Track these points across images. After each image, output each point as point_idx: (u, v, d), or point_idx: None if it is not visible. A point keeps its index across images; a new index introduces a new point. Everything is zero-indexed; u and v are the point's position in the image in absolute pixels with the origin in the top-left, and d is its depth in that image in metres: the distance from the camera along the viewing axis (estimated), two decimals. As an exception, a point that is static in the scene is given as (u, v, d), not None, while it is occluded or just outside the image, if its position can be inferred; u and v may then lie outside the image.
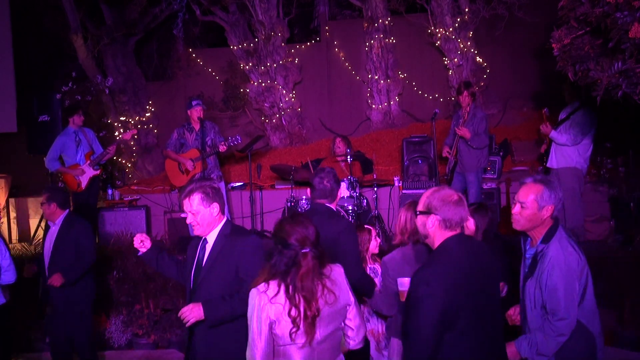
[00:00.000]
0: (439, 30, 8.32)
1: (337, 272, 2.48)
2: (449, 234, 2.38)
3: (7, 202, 7.92)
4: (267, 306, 2.31)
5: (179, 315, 2.86)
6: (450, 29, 8.24)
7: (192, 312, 2.81)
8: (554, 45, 4.20)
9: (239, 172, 8.04)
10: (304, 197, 6.50)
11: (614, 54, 3.80)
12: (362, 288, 3.27)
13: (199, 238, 3.10)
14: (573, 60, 4.12)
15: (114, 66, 8.90)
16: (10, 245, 7.25)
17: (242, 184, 7.43)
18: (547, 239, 2.75)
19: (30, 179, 7.89)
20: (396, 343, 3.31)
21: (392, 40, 8.65)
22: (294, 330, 2.31)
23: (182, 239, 6.19)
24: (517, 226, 2.84)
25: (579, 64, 4.09)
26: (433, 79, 8.84)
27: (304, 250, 2.35)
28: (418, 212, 2.45)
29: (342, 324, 2.53)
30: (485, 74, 8.33)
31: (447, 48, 8.37)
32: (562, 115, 5.84)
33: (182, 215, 6.78)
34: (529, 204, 2.75)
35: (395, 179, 6.98)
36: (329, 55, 9.12)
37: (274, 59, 8.69)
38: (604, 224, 6.17)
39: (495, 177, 6.75)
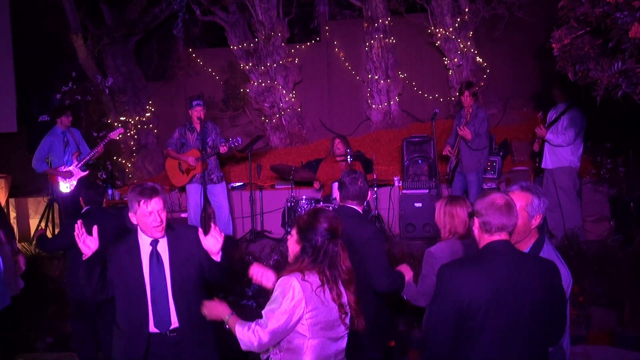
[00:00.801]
0: (439, 30, 8.32)
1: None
2: (490, 238, 2.38)
3: (7, 202, 7.92)
4: (309, 295, 2.35)
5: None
6: (450, 29, 8.24)
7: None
8: (554, 45, 4.20)
9: (239, 172, 8.05)
10: (304, 197, 6.50)
11: (614, 54, 3.80)
12: (395, 290, 3.32)
13: (130, 244, 3.02)
14: (573, 60, 4.12)
15: (114, 66, 8.89)
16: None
17: (242, 184, 7.43)
18: (535, 248, 2.66)
19: (30, 179, 7.88)
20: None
21: (392, 40, 8.64)
22: (343, 316, 2.39)
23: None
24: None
25: (579, 64, 4.09)
26: (433, 79, 8.84)
27: (342, 240, 2.46)
28: (469, 214, 2.56)
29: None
30: (485, 74, 8.32)
31: (447, 48, 8.37)
32: (551, 115, 5.90)
33: (183, 215, 6.78)
34: (519, 214, 2.53)
35: (395, 179, 6.98)
36: (329, 55, 9.11)
37: (274, 59, 8.69)
38: (604, 224, 6.18)
39: (495, 177, 6.75)
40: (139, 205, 2.92)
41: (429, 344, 2.45)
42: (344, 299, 2.42)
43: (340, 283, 2.43)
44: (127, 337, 2.99)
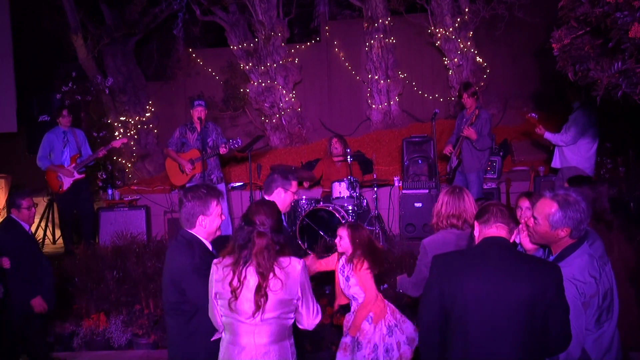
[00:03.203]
0: (439, 30, 8.32)
1: (293, 267, 2.55)
2: (487, 232, 2.45)
3: (7, 202, 7.91)
4: (214, 277, 2.52)
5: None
6: (450, 29, 8.24)
7: None
8: (554, 45, 4.20)
9: (239, 172, 8.05)
10: (303, 197, 6.51)
11: (614, 54, 3.80)
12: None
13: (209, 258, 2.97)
14: (573, 60, 4.12)
15: (114, 66, 8.90)
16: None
17: (242, 184, 7.43)
18: (559, 259, 2.59)
19: (30, 179, 7.88)
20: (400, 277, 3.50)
21: (392, 40, 8.65)
22: (232, 299, 2.46)
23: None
24: (531, 240, 2.70)
25: (579, 64, 4.09)
26: (433, 79, 8.84)
27: (261, 229, 2.50)
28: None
29: (291, 315, 2.57)
30: (485, 74, 8.32)
31: (447, 48, 8.37)
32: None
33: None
34: (541, 221, 2.58)
35: (395, 179, 6.98)
36: (329, 55, 9.12)
37: (274, 59, 8.69)
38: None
39: (495, 177, 6.75)
40: (216, 204, 2.82)
41: (419, 333, 2.59)
42: (235, 283, 2.51)
43: (246, 271, 2.51)
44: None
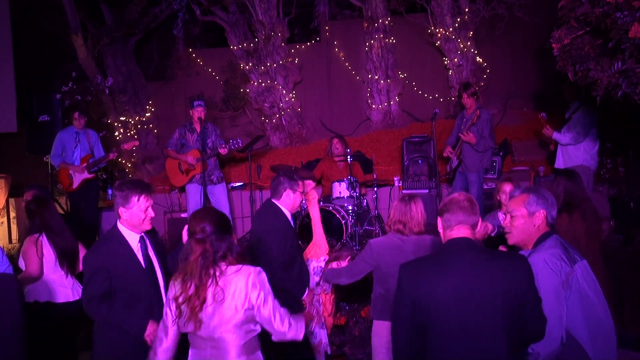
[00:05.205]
0: (439, 30, 8.31)
1: (243, 274, 2.44)
2: (450, 234, 2.45)
3: (7, 202, 7.91)
4: (170, 295, 2.47)
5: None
6: (450, 29, 8.23)
7: None
8: (554, 45, 4.20)
9: (239, 172, 8.04)
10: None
11: (614, 54, 3.80)
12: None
13: (119, 241, 3.06)
14: (573, 60, 4.13)
15: (114, 66, 8.90)
16: (10, 246, 7.28)
17: (242, 184, 7.43)
18: (535, 245, 2.66)
19: (30, 179, 7.87)
20: (377, 325, 3.54)
21: (392, 40, 8.64)
22: (176, 314, 2.43)
23: (182, 239, 6.18)
24: (511, 240, 2.76)
25: (579, 64, 4.09)
26: (433, 79, 8.84)
27: (198, 236, 2.44)
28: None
29: (252, 325, 2.48)
30: (485, 74, 8.32)
31: (447, 48, 8.37)
32: (567, 116, 5.89)
33: (183, 215, 6.78)
34: (517, 212, 2.68)
35: (395, 179, 6.98)
36: (329, 55, 9.12)
37: (274, 59, 8.69)
38: (604, 224, 6.16)
39: (495, 177, 6.75)
40: (137, 200, 3.01)
41: (394, 350, 2.52)
42: (181, 299, 2.48)
43: (190, 283, 2.45)
44: (133, 334, 2.98)
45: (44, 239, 4.01)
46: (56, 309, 3.96)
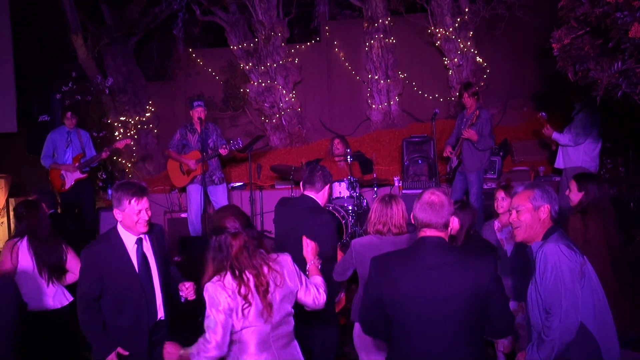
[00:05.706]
0: (439, 30, 8.31)
1: (284, 258, 2.60)
2: (422, 233, 2.49)
3: (7, 202, 7.91)
4: (223, 295, 2.39)
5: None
6: (450, 29, 8.23)
7: None
8: (554, 45, 4.20)
9: (239, 172, 8.05)
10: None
11: (614, 54, 3.80)
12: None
13: (114, 243, 3.09)
14: (573, 60, 4.13)
15: (114, 66, 8.89)
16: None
17: (242, 184, 7.43)
18: (544, 238, 2.71)
19: (30, 179, 7.88)
20: (359, 326, 3.51)
21: (392, 40, 8.64)
22: (245, 305, 2.39)
23: (182, 239, 6.20)
24: (519, 236, 2.79)
25: (579, 64, 4.09)
26: (433, 79, 8.84)
27: (234, 231, 2.47)
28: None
29: (292, 309, 2.59)
30: (485, 74, 8.32)
31: (447, 48, 8.37)
32: (573, 115, 5.90)
33: (183, 215, 6.78)
34: (523, 207, 2.74)
35: (395, 179, 6.98)
36: (329, 55, 9.11)
37: (274, 59, 8.69)
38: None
39: (495, 177, 6.75)
40: (129, 203, 3.05)
41: (359, 318, 2.70)
42: (244, 290, 2.42)
43: (246, 275, 2.43)
44: (126, 334, 3.03)
45: (22, 245, 3.89)
46: (31, 316, 3.81)
